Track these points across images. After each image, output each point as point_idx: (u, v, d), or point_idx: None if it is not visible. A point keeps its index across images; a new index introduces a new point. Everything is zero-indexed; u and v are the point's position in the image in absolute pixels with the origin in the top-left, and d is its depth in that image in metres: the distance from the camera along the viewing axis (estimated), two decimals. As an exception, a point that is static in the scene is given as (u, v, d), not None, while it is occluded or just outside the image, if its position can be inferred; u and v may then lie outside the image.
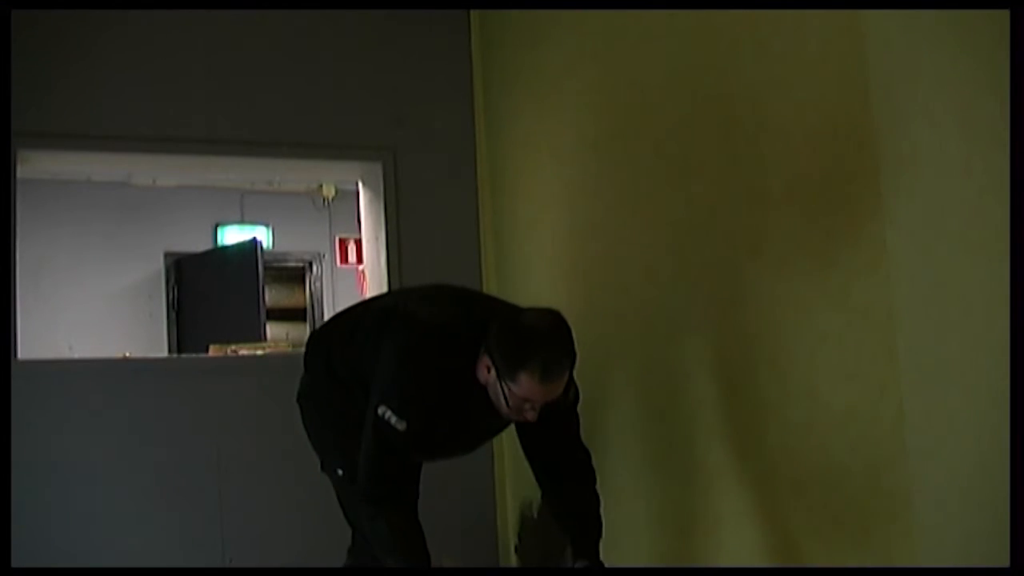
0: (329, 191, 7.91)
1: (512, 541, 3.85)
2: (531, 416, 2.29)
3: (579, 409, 2.52)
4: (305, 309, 8.20)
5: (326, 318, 4.60)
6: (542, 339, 2.25)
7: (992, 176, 1.71)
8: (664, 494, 2.90)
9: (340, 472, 2.60)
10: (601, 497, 2.52)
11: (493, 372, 2.28)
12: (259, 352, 4.65)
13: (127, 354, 5.30)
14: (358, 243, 7.20)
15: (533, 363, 2.20)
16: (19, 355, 3.59)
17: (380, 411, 2.30)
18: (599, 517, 2.49)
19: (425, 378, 2.34)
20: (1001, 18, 1.64)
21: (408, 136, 4.22)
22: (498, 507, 3.99)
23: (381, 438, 2.31)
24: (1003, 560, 1.60)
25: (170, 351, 7.28)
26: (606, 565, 2.44)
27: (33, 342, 3.99)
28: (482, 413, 2.39)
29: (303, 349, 2.82)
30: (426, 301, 2.57)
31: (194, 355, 5.45)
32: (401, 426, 2.27)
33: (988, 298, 1.73)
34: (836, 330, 2.19)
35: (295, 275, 8.50)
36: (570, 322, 2.32)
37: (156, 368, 4.27)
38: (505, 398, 2.26)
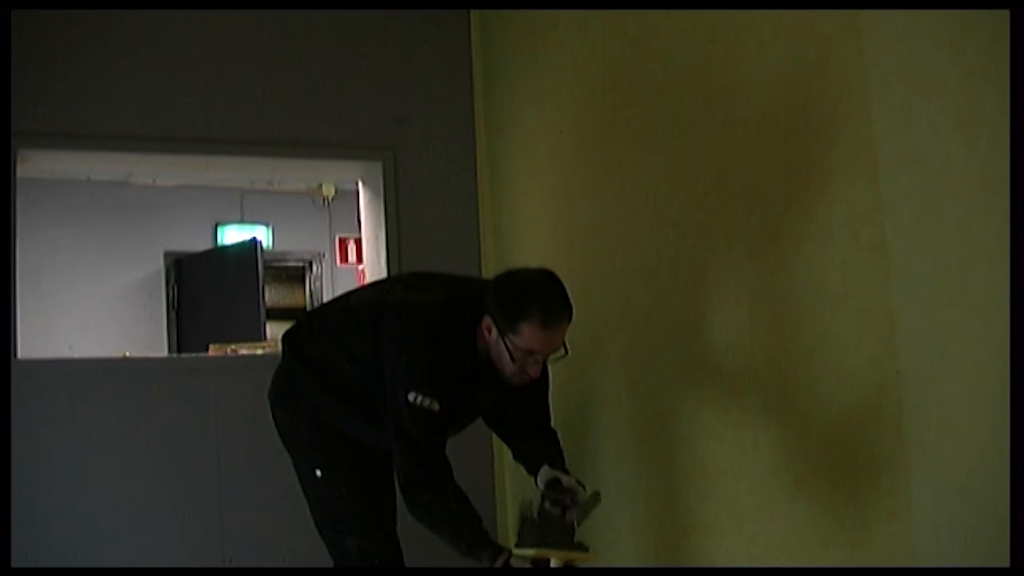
0: (329, 191, 7.92)
1: (512, 541, 3.84)
2: (534, 371, 2.39)
3: (578, 410, 2.52)
4: (305, 309, 8.19)
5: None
6: (539, 289, 2.37)
7: (992, 176, 1.71)
8: (664, 494, 2.90)
9: (318, 473, 2.60)
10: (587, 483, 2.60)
11: (494, 331, 2.36)
12: (259, 352, 4.65)
13: (127, 354, 5.31)
14: (358, 243, 7.21)
15: (534, 311, 2.31)
16: (19, 355, 3.59)
17: (411, 398, 2.32)
18: (561, 449, 2.64)
19: (441, 357, 2.39)
20: (1000, 18, 1.64)
21: (408, 136, 4.22)
22: (497, 507, 3.98)
23: (422, 425, 2.34)
24: (1003, 560, 1.60)
25: (170, 351, 7.27)
26: (606, 564, 2.44)
27: (33, 342, 4.00)
28: (485, 384, 2.47)
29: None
30: (412, 289, 2.60)
31: (194, 355, 5.45)
32: (436, 407, 2.32)
33: (988, 298, 1.73)
34: (836, 329, 2.19)
35: (295, 275, 8.50)
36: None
37: (156, 368, 4.27)
38: (510, 353, 2.34)
